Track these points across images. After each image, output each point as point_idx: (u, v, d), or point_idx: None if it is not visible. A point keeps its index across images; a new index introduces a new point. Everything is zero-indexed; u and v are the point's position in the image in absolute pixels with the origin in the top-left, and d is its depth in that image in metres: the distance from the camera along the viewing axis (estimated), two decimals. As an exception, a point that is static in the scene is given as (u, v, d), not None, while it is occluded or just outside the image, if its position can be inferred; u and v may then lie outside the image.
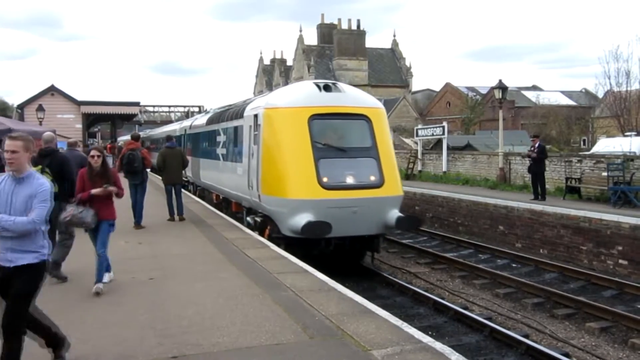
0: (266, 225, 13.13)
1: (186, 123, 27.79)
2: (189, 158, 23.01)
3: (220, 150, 17.57)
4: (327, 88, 12.93)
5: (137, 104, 41.95)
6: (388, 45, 66.77)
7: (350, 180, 12.09)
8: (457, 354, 5.53)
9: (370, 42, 69.75)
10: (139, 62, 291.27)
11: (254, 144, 13.32)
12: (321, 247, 12.12)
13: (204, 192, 22.32)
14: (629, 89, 45.26)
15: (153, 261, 10.03)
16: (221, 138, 17.60)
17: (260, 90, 62.33)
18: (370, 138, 12.62)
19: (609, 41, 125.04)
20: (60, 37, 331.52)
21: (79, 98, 37.47)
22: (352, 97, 13.13)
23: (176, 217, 14.94)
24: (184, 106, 68.87)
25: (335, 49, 60.72)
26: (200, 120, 23.08)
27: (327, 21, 65.76)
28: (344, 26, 62.07)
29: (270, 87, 66.93)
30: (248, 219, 14.50)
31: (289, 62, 69.68)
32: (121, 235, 12.76)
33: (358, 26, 62.32)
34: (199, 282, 8.49)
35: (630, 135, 31.91)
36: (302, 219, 11.38)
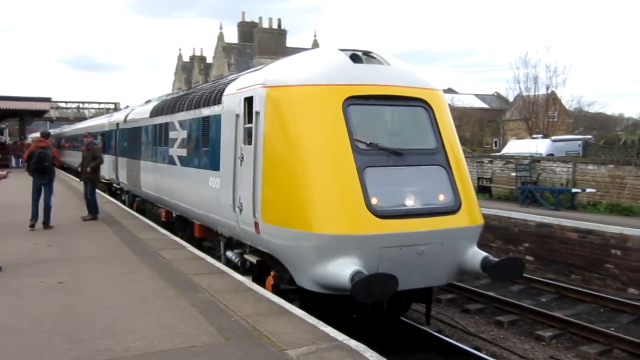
0: (268, 269, 8.87)
1: (118, 116, 22.44)
2: (123, 159, 19.48)
3: (176, 151, 12.93)
4: (361, 58, 8.59)
5: (48, 99, 40.17)
6: (309, 46, 67.17)
7: (411, 201, 7.85)
8: (371, 350, 5.64)
9: (291, 42, 69.81)
10: (51, 56, 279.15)
11: (245, 143, 8.96)
12: (367, 308, 8.31)
13: (145, 204, 17.52)
14: (536, 93, 47.63)
15: (63, 264, 9.64)
16: (177, 134, 12.95)
17: (179, 88, 61.14)
18: (434, 135, 8.47)
19: (519, 48, 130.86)
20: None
21: (-16, 93, 35.49)
22: (401, 72, 8.71)
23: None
24: (99, 102, 66.73)
25: (255, 48, 60.42)
26: (140, 111, 17.94)
27: (247, 19, 65.35)
28: (265, 25, 61.89)
29: (189, 84, 65.85)
30: (229, 254, 10.20)
31: (209, 60, 68.79)
32: (29, 236, 12.27)
33: (279, 25, 62.28)
34: (112, 285, 8.25)
35: (537, 138, 33.61)
36: (341, 268, 7.28)
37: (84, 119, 53.01)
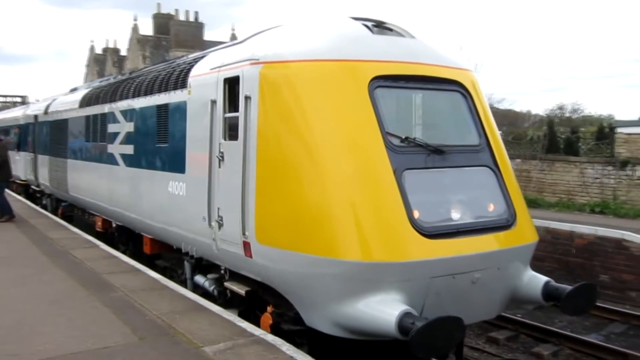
0: (263, 303, 6.89)
1: (37, 107, 19.45)
2: (44, 157, 17.17)
3: (119, 149, 10.79)
4: (376, 28, 6.74)
5: (-53, 92, 37.82)
6: (227, 40, 66.54)
7: (458, 214, 6.18)
8: (288, 344, 5.70)
9: (209, 35, 68.91)
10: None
11: (225, 138, 7.14)
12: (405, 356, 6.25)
13: (72, 210, 15.25)
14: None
15: (-35, 266, 9.14)
16: (120, 127, 10.78)
17: (92, 81, 58.94)
18: (476, 127, 6.89)
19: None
20: None
21: None
22: (430, 48, 6.95)
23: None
24: (5, 96, 63.57)
25: (172, 41, 59.25)
26: (65, 101, 15.36)
27: (163, 11, 63.95)
28: (182, 17, 60.79)
29: (102, 77, 63.77)
30: (200, 280, 8.15)
31: (123, 52, 66.87)
32: None
33: (196, 18, 61.36)
34: (19, 287, 7.89)
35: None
36: (381, 307, 5.53)
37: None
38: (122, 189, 10.62)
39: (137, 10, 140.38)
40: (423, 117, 6.90)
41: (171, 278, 8.67)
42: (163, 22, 61.88)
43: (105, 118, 11.59)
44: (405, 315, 5.30)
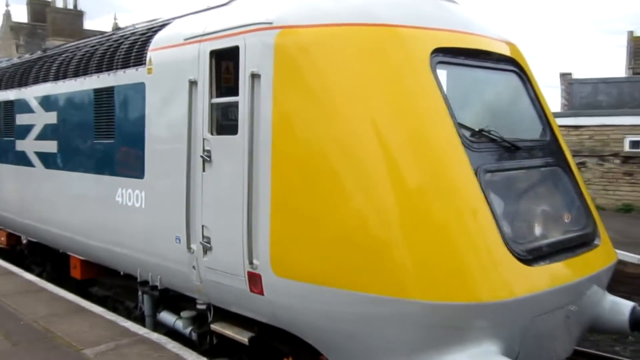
0: (271, 353, 5.36)
1: None
2: None
3: (35, 145, 8.63)
4: None
5: None
6: (109, 28, 64.00)
7: (542, 229, 4.86)
8: (174, 342, 5.67)
9: (90, 25, 66.08)
10: None
11: (213, 132, 5.42)
12: None
13: None
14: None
15: None
16: (36, 119, 8.60)
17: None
18: (539, 118, 5.59)
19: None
20: None
21: None
22: (477, 17, 5.63)
23: None
24: None
25: (49, 29, 56.22)
26: None
27: (39, -2, 60.54)
28: (59, 5, 57.82)
29: (-30, 66, 59.31)
30: (168, 318, 6.20)
31: (-6, 40, 62.58)
32: None
33: (75, 6, 58.58)
34: None
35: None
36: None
37: None
38: (40, 196, 8.49)
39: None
40: (488, 104, 5.54)
41: (115, 310, 6.97)
42: (39, 8, 58.50)
43: (13, 107, 9.30)
44: None
